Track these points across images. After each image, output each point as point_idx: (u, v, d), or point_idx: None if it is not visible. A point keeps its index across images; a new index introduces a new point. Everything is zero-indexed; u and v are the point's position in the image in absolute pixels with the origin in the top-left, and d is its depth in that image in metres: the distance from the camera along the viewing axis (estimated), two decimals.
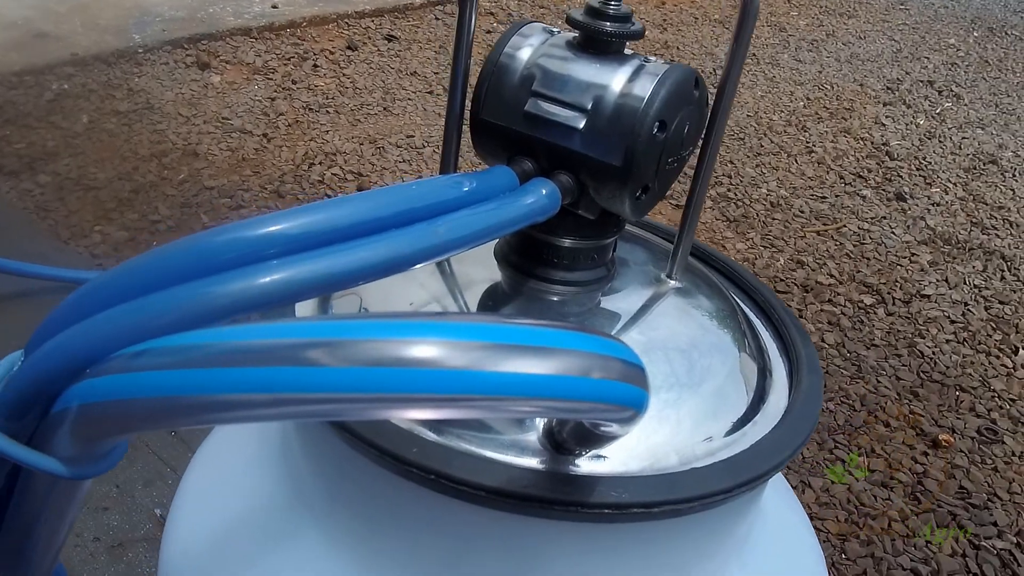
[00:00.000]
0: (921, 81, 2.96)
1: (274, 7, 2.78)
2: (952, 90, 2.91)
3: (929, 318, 1.66)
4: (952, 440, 1.32)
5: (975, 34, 3.57)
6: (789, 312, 0.48)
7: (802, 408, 0.40)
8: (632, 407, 0.26)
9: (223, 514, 0.48)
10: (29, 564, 0.39)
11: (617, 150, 0.36)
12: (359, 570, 0.40)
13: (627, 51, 0.39)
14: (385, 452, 0.35)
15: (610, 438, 0.32)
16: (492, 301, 0.44)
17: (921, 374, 1.50)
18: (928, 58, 3.21)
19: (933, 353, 1.56)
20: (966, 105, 2.79)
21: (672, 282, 0.45)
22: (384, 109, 2.30)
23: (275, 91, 2.29)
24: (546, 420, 0.36)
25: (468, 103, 0.41)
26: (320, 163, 1.98)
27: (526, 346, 0.24)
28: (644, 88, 0.36)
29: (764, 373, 0.43)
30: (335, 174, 1.94)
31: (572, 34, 0.40)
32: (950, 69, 3.13)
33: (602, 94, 0.37)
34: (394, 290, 0.46)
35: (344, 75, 2.45)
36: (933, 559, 1.12)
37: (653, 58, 0.39)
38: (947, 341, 1.60)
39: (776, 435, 0.38)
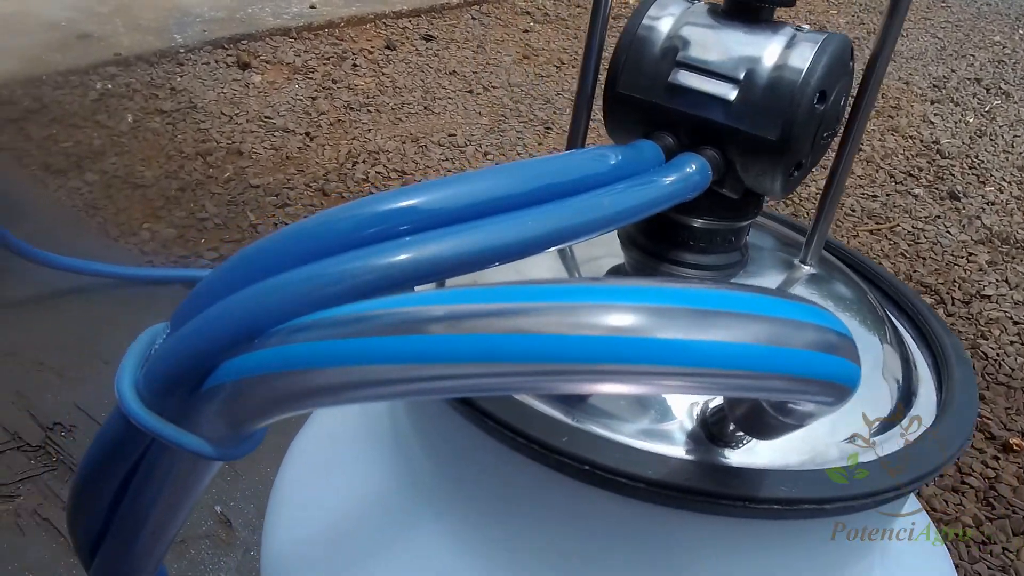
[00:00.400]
0: (968, 79, 2.90)
1: (312, 7, 2.78)
2: (1001, 88, 2.85)
3: (991, 319, 1.62)
4: (1022, 444, 1.28)
5: (1021, 31, 3.49)
6: (924, 302, 0.45)
7: (961, 400, 0.37)
8: (848, 384, 0.24)
9: (329, 510, 0.46)
10: (139, 556, 0.38)
11: (773, 123, 0.34)
12: (488, 567, 0.38)
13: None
14: (532, 440, 0.33)
15: (789, 427, 0.29)
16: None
17: (986, 376, 1.46)
18: (974, 55, 3.15)
19: (997, 355, 1.51)
20: (1016, 103, 2.73)
21: (807, 268, 0.42)
22: (425, 108, 2.28)
23: (316, 90, 2.29)
24: (702, 406, 0.34)
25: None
26: (363, 161, 1.97)
27: (735, 313, 0.22)
28: (803, 57, 0.34)
29: (908, 364, 0.41)
30: (379, 172, 1.93)
31: (714, 3, 0.38)
32: (997, 67, 3.06)
33: (756, 64, 0.35)
34: (511, 276, 0.44)
35: (383, 74, 2.44)
36: (1012, 566, 1.08)
37: (805, 26, 0.36)
38: (1011, 343, 1.55)
39: (942, 429, 0.35)
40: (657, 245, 0.40)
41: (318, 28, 2.66)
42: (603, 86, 0.39)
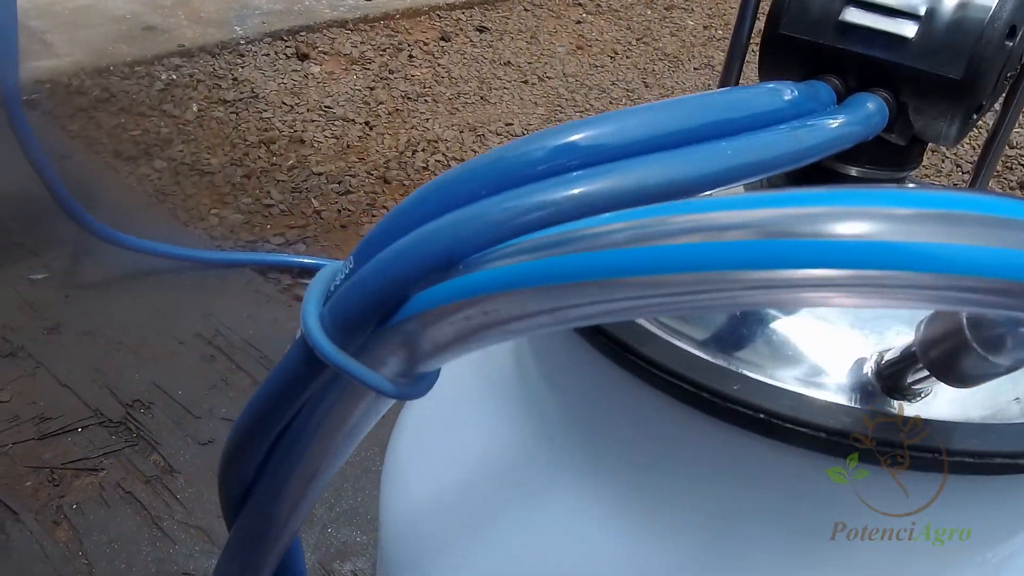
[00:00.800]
0: None
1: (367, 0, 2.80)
2: None
3: None
4: None
5: None
6: None
7: None
8: None
9: (453, 469, 0.46)
10: (282, 512, 0.37)
11: (957, 61, 0.33)
12: (631, 521, 0.37)
13: None
14: (700, 387, 0.32)
15: (994, 371, 0.28)
16: None
17: None
18: None
19: None
20: None
21: None
22: (481, 98, 2.28)
23: (373, 81, 2.30)
24: (875, 357, 0.33)
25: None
26: (423, 150, 1.97)
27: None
28: None
29: None
30: (438, 161, 1.93)
31: None
32: None
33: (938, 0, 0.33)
34: None
35: (439, 65, 2.45)
36: None
37: None
38: None
39: None
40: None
41: (374, 20, 2.68)
42: (761, 28, 0.37)
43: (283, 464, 0.35)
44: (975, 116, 0.34)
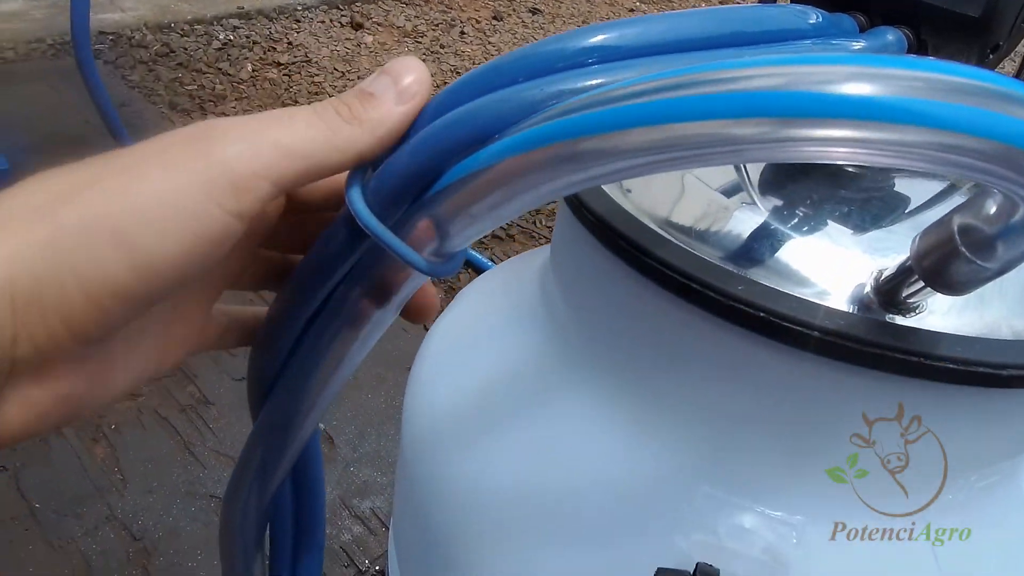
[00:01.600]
0: None
1: None
2: None
3: None
4: None
5: None
6: None
7: None
8: None
9: (475, 379, 0.49)
10: (304, 405, 0.40)
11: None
12: (643, 422, 0.40)
13: None
14: (705, 286, 0.34)
15: (984, 276, 0.30)
16: (778, 176, 0.43)
17: None
18: None
19: None
20: None
21: None
22: None
23: (424, 54, 2.33)
24: (875, 274, 0.35)
25: None
26: None
27: None
28: None
29: None
30: None
31: None
32: None
33: None
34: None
35: (490, 43, 2.47)
36: None
37: None
38: None
39: None
40: None
41: None
42: None
43: (315, 346, 0.37)
44: (991, 56, 0.36)
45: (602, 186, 0.42)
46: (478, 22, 2.61)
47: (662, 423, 0.40)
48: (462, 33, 2.51)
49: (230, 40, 2.22)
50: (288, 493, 0.44)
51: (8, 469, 0.99)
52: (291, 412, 0.41)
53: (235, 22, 2.30)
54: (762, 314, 0.33)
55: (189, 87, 1.96)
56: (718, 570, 0.35)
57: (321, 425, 1.12)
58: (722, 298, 0.34)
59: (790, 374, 0.35)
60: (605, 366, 0.42)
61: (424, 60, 2.26)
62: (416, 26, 2.49)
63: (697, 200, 0.43)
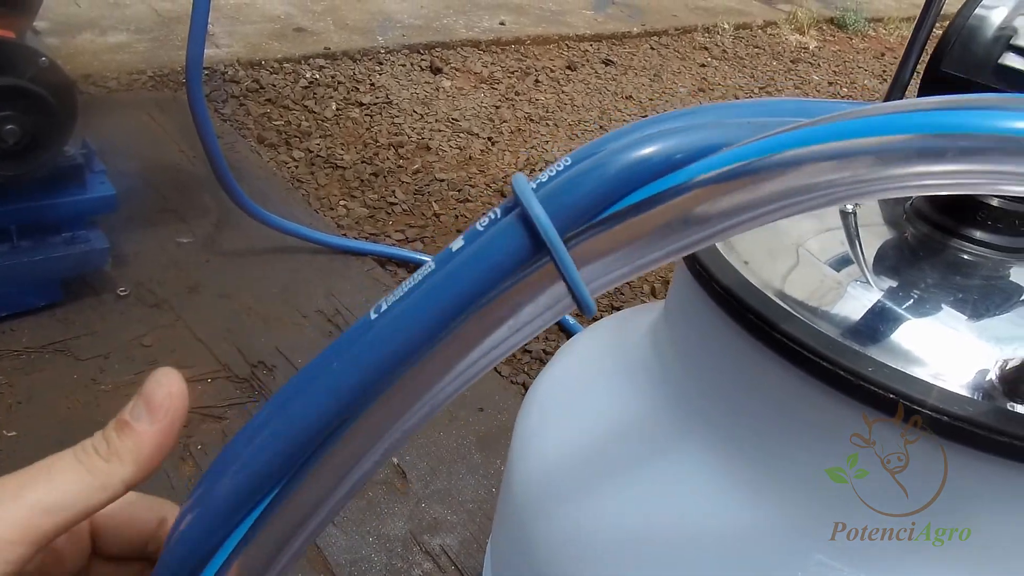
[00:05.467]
0: None
1: (502, 24, 2.92)
2: None
3: None
4: None
5: None
6: None
7: None
8: None
9: (587, 426, 0.51)
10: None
11: None
12: (760, 487, 0.42)
13: None
14: (834, 364, 0.36)
15: None
16: (895, 256, 0.45)
17: None
18: None
19: None
20: None
21: None
22: (600, 128, 2.35)
23: (499, 100, 2.40)
24: (1000, 363, 0.37)
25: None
26: (540, 169, 2.04)
27: None
28: None
29: None
30: None
31: None
32: None
33: None
34: (785, 228, 0.47)
35: (563, 92, 2.53)
36: None
37: None
38: None
39: None
40: (949, 219, 0.43)
41: (506, 43, 2.79)
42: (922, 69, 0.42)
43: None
44: None
45: (723, 255, 0.44)
46: (552, 71, 2.68)
47: (776, 487, 0.42)
48: (536, 81, 2.57)
49: (316, 79, 2.31)
50: None
51: None
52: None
53: (321, 62, 2.41)
54: (891, 395, 0.35)
55: (276, 122, 2.05)
56: None
57: (395, 459, 1.15)
58: (850, 376, 0.36)
59: (912, 455, 0.37)
60: (720, 426, 0.44)
61: (499, 106, 2.33)
62: (492, 72, 2.57)
63: (811, 274, 0.45)
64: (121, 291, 1.37)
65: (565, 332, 1.49)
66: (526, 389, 1.35)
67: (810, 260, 0.46)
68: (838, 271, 0.45)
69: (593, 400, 0.53)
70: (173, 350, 1.27)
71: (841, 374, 0.36)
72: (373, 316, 0.26)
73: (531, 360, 1.42)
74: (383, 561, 1.00)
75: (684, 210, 0.25)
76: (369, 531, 1.04)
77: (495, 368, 1.15)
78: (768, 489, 0.42)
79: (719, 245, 0.46)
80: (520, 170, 2.03)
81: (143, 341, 1.28)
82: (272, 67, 2.33)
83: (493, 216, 0.26)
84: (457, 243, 0.26)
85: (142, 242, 1.50)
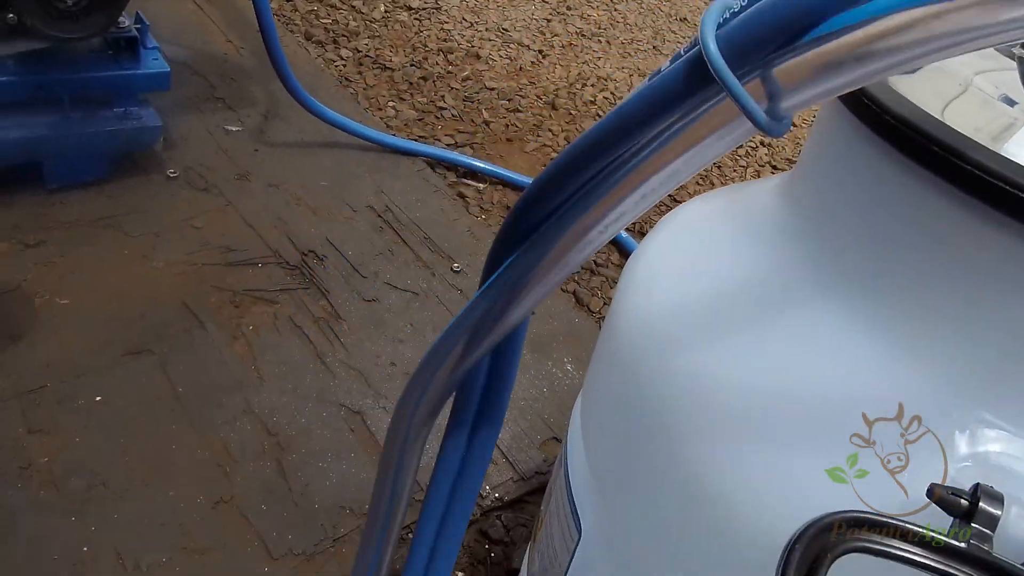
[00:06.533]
0: None
1: None
2: None
3: None
4: None
5: None
6: None
7: None
8: None
9: (707, 278, 0.48)
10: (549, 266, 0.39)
11: None
12: (902, 343, 0.39)
13: None
14: None
15: None
16: None
17: None
18: None
19: None
20: None
21: None
22: (653, 48, 2.27)
23: (551, 13, 2.32)
24: None
25: None
26: (592, 85, 1.99)
27: None
28: None
29: None
30: (606, 98, 1.95)
31: None
32: None
33: None
34: (953, 70, 0.43)
35: (616, 10, 2.45)
36: None
37: None
38: None
39: None
40: None
41: None
42: None
43: (597, 189, 0.37)
44: None
45: (892, 89, 0.40)
46: None
47: (932, 344, 0.39)
48: None
49: None
50: (482, 370, 0.44)
51: (156, 353, 1.04)
52: (543, 262, 0.40)
53: None
54: None
55: (324, 20, 1.99)
56: (1002, 495, 0.34)
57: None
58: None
59: None
60: (868, 283, 0.41)
61: (550, 19, 2.25)
62: None
63: (986, 111, 0.41)
64: (171, 173, 1.34)
65: (620, 251, 1.46)
66: (576, 298, 1.32)
67: (983, 97, 0.42)
68: (1011, 107, 0.42)
69: (712, 261, 0.50)
70: (223, 234, 1.25)
71: None
72: None
73: (582, 269, 1.39)
74: (433, 449, 0.99)
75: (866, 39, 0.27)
76: None
77: None
78: (923, 347, 0.39)
79: (883, 83, 0.42)
80: (571, 84, 1.97)
81: (193, 223, 1.26)
82: None
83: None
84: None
85: (191, 127, 1.47)
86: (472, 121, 1.75)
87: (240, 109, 1.55)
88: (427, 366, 0.46)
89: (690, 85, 0.32)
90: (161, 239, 1.21)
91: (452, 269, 1.29)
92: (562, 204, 0.38)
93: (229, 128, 1.49)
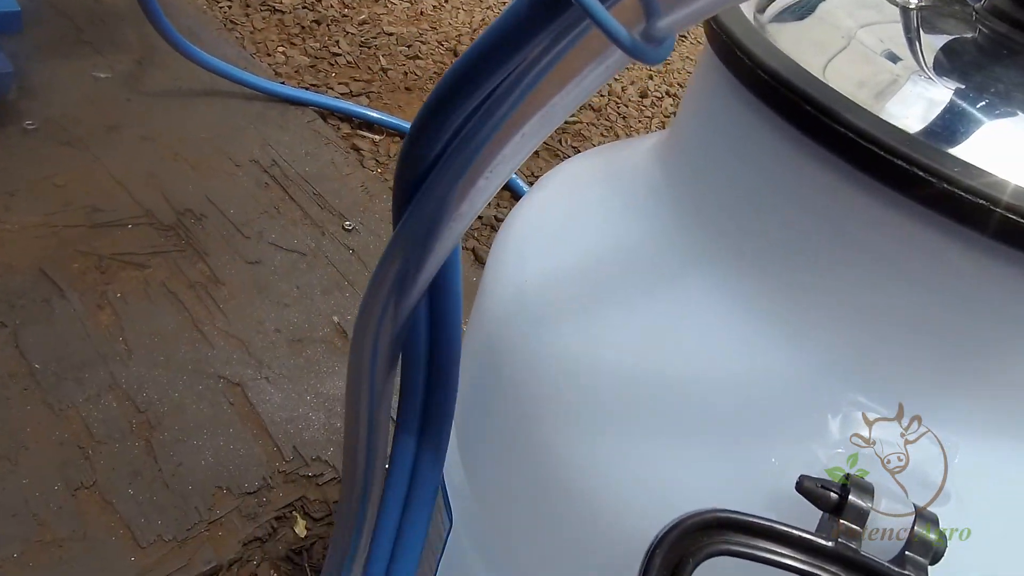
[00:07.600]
0: None
1: None
2: None
3: None
4: None
5: None
6: None
7: None
8: None
9: (577, 251, 0.44)
10: (452, 197, 0.34)
11: None
12: (790, 324, 0.36)
13: None
14: (911, 162, 0.30)
15: None
16: (958, 55, 0.38)
17: None
18: None
19: None
20: None
21: None
22: None
23: None
24: None
25: None
26: None
27: None
28: None
29: None
30: None
31: None
32: None
33: None
34: (835, 21, 0.40)
35: None
36: None
37: None
38: None
39: None
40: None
41: None
42: None
43: (478, 131, 0.32)
44: None
45: (769, 40, 0.36)
46: None
47: (807, 320, 0.36)
48: None
49: None
50: (422, 323, 0.39)
51: (8, 326, 0.94)
52: (437, 215, 0.35)
53: None
54: (984, 203, 0.29)
55: None
56: (872, 485, 0.32)
57: (335, 318, 1.07)
58: (933, 180, 0.30)
59: (976, 271, 0.31)
60: (743, 252, 0.38)
61: None
62: None
63: (865, 67, 0.38)
64: (28, 125, 1.22)
65: (516, 198, 1.41)
66: (475, 255, 1.28)
67: (863, 51, 0.39)
68: (894, 64, 0.38)
69: (583, 228, 0.46)
70: (88, 192, 1.15)
71: (921, 175, 0.30)
72: None
73: (482, 226, 1.35)
74: (321, 420, 0.94)
75: None
76: (307, 389, 0.97)
77: None
78: (798, 325, 0.36)
79: (760, 35, 0.38)
80: (475, 31, 1.89)
81: (55, 180, 1.15)
82: None
83: None
84: None
85: (53, 74, 1.33)
86: (369, 68, 1.65)
87: (110, 54, 1.42)
88: (362, 329, 0.40)
89: (547, 8, 0.27)
90: (16, 199, 1.10)
91: (344, 227, 1.22)
92: (445, 148, 0.34)
93: (97, 75, 1.37)
